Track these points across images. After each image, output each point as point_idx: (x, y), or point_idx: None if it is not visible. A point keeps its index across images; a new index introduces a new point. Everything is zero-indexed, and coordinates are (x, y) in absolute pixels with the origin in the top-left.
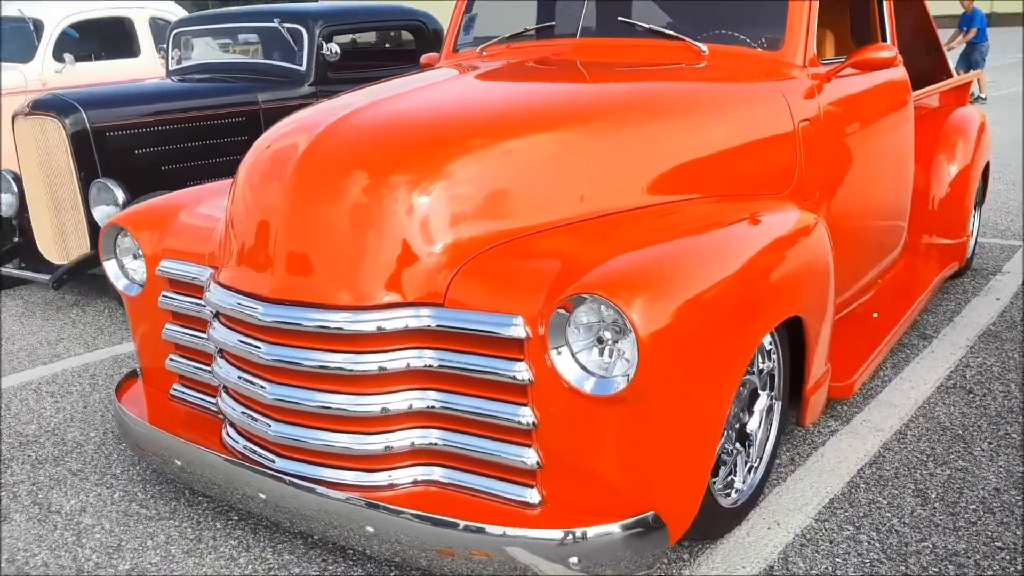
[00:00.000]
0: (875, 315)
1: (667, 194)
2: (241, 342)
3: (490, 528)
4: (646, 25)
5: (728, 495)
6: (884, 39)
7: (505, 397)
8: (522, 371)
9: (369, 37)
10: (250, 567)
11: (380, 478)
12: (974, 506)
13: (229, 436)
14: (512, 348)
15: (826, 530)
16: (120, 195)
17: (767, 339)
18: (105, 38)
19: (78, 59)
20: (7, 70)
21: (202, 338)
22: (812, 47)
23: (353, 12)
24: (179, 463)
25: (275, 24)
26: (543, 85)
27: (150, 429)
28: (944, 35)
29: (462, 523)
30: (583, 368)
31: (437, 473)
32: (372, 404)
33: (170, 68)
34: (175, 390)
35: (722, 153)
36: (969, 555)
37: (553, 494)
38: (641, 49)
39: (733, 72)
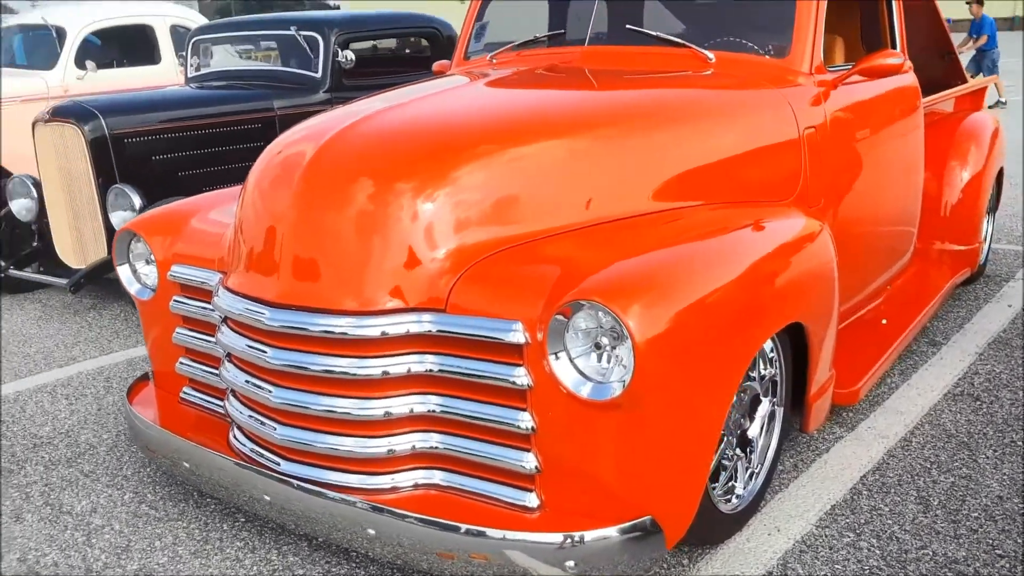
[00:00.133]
0: (884, 321)
1: (671, 200)
2: (248, 346)
3: (490, 532)
4: (654, 33)
5: (728, 501)
6: (894, 46)
7: (504, 402)
8: (521, 376)
9: (385, 44)
10: (255, 568)
11: (383, 481)
12: (976, 514)
13: (236, 439)
14: (511, 353)
15: (826, 536)
16: (137, 200)
17: (768, 345)
18: (127, 45)
19: (100, 66)
20: (29, 76)
21: (211, 342)
22: (819, 54)
23: (369, 20)
24: (187, 465)
25: (292, 32)
26: (550, 92)
27: (159, 432)
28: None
29: (464, 527)
30: (581, 373)
31: (437, 476)
32: (375, 408)
33: (189, 75)
34: (185, 393)
35: (727, 160)
36: (969, 563)
37: (552, 498)
38: (649, 57)
39: (739, 79)
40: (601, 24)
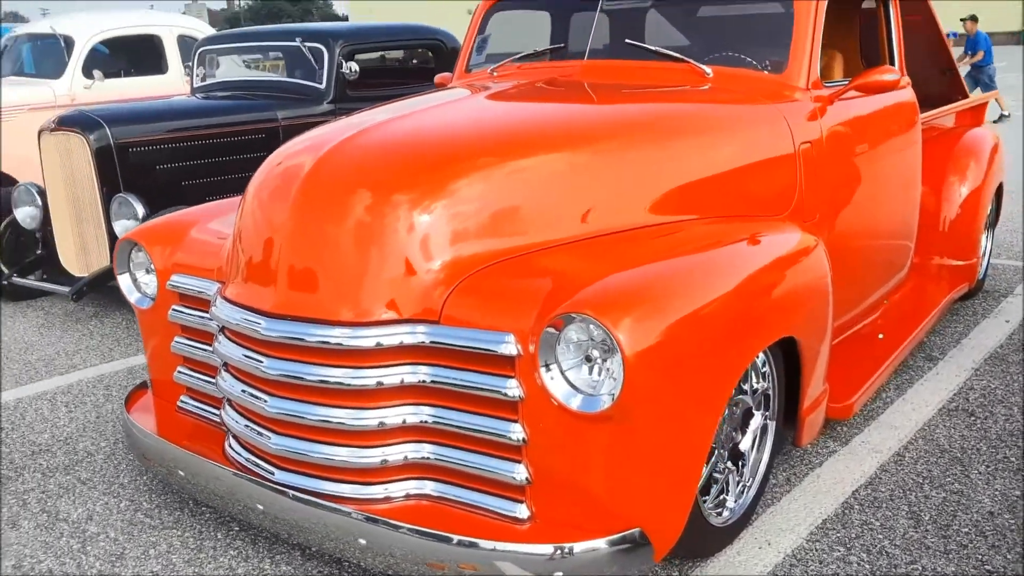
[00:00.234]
0: (881, 336)
1: (666, 214)
2: (245, 356)
3: (482, 543)
4: (652, 47)
5: (719, 514)
6: (892, 62)
7: (496, 413)
8: (513, 388)
9: (390, 55)
10: None
11: (376, 491)
12: (967, 529)
13: (232, 448)
14: (503, 365)
15: (817, 551)
16: (140, 209)
17: (760, 359)
18: (134, 55)
19: (107, 75)
20: (37, 85)
21: (209, 351)
22: (815, 70)
23: (373, 31)
24: (182, 474)
25: (297, 43)
26: (548, 106)
27: (156, 440)
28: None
29: (455, 537)
30: (571, 386)
31: (429, 487)
32: (370, 418)
33: (194, 85)
34: (183, 402)
35: (722, 174)
36: None
37: (542, 509)
38: (647, 71)
39: (736, 94)
40: (601, 38)
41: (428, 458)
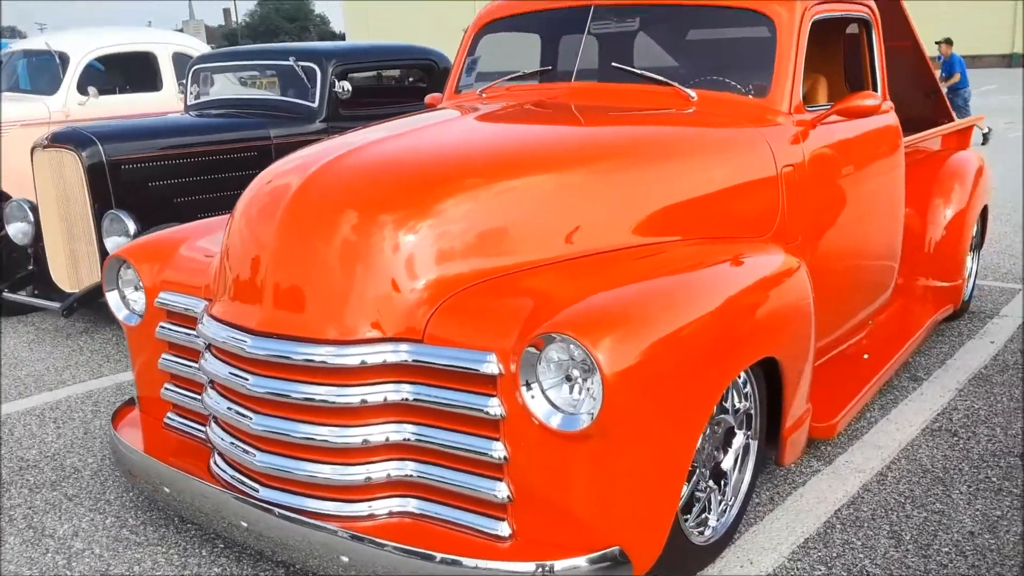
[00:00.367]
0: (866, 356)
1: (650, 235)
2: (231, 374)
3: (465, 561)
4: (638, 71)
5: (702, 532)
6: (875, 87)
7: (478, 431)
8: (494, 406)
9: (382, 75)
10: None
11: (359, 509)
12: (947, 548)
13: (216, 465)
14: (485, 384)
15: (798, 570)
16: (131, 226)
17: (742, 379)
18: (129, 72)
19: (102, 92)
20: (32, 101)
21: (196, 368)
22: (798, 95)
23: (366, 51)
24: (168, 490)
25: (290, 62)
26: (535, 127)
27: (141, 457)
28: None
29: (439, 555)
30: (552, 404)
31: (411, 504)
32: (354, 436)
33: (188, 103)
34: (169, 418)
35: (705, 196)
36: None
37: (523, 527)
38: (633, 94)
39: (719, 118)
40: (589, 61)
41: (411, 476)
